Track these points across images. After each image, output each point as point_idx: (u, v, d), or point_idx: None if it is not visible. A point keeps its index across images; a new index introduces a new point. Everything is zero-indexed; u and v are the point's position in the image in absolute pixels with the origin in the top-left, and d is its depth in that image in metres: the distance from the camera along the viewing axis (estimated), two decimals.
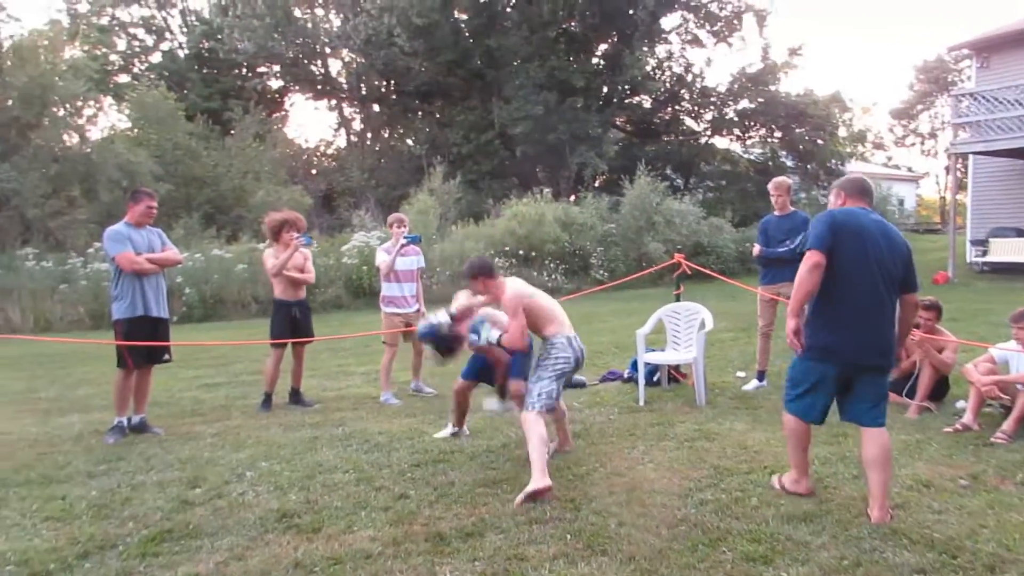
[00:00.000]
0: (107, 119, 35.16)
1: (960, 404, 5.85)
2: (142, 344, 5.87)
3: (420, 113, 32.48)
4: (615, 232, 19.89)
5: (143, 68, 33.00)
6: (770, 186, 6.97)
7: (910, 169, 47.76)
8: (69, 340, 10.93)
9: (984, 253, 18.13)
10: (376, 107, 34.25)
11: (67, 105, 21.90)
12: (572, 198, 24.50)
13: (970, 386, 5.58)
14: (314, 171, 32.69)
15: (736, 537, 3.54)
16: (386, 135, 35.03)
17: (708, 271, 9.15)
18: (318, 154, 35.85)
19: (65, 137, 22.04)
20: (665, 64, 30.87)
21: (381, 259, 7.22)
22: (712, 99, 30.37)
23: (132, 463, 5.07)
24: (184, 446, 5.49)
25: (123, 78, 31.67)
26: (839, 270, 3.73)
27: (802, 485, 4.10)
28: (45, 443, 5.78)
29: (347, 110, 35.53)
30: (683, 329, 6.81)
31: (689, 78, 30.68)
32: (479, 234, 18.67)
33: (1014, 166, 18.31)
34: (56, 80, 20.90)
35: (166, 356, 6.14)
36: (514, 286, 4.79)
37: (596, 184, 24.34)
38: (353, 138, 35.30)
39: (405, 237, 7.16)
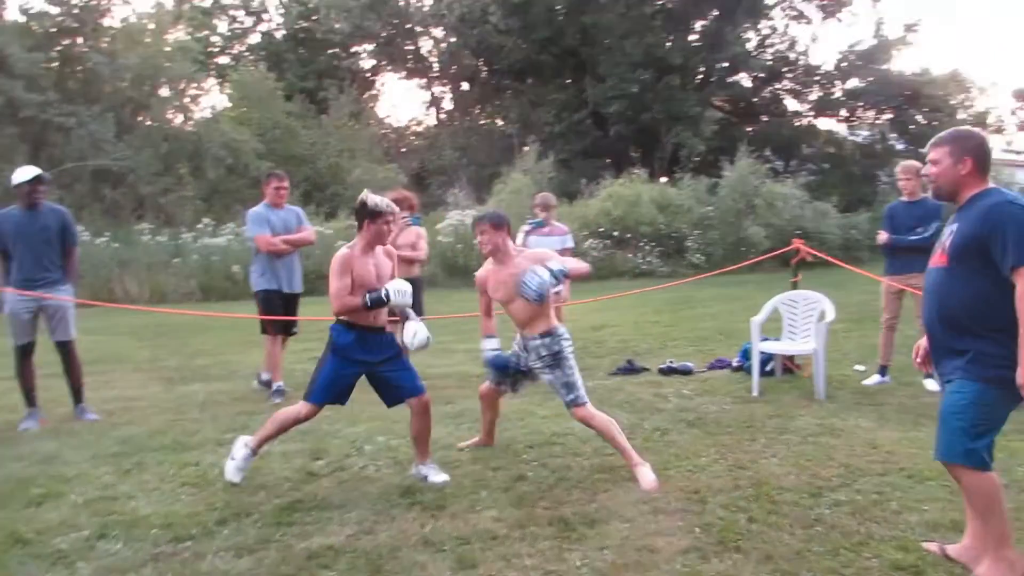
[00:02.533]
0: (209, 99, 36.53)
1: None
2: (273, 318, 6.42)
3: (511, 92, 32.36)
4: (713, 215, 19.38)
5: (243, 49, 34.06)
6: (898, 170, 6.61)
7: None
8: (189, 312, 11.45)
9: None
10: (466, 85, 34.36)
11: (174, 86, 22.84)
12: (665, 179, 23.99)
13: None
14: (403, 150, 33.12)
15: (880, 543, 3.35)
16: (477, 113, 35.12)
17: (830, 258, 8.76)
18: (409, 133, 36.29)
19: (171, 116, 23.02)
20: (767, 41, 29.70)
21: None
22: (817, 78, 29.04)
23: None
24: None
25: (223, 59, 32.78)
26: None
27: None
28: (174, 410, 6.06)
29: (437, 89, 35.81)
30: (800, 319, 6.55)
31: (793, 56, 29.41)
32: (572, 214, 18.47)
33: None
34: (164, 62, 21.78)
35: (294, 329, 6.52)
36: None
37: (692, 165, 23.70)
38: (443, 117, 35.54)
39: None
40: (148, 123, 22.06)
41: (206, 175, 21.20)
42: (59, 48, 20.95)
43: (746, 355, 6.86)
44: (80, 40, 21.25)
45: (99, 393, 6.66)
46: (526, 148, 22.71)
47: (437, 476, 4.24)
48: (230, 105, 26.66)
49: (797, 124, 29.71)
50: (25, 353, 5.78)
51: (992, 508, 2.95)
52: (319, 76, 31.18)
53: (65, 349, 5.88)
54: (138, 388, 7.01)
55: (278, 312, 6.44)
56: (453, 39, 30.99)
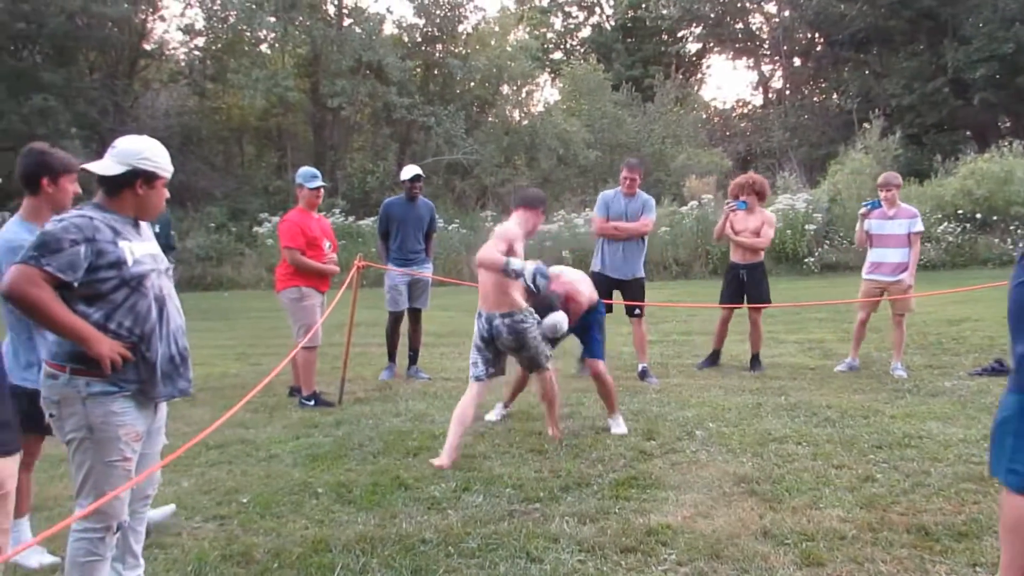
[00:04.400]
0: (541, 93, 38.97)
1: None
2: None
3: (851, 64, 29.75)
4: None
5: (574, 43, 35.69)
6: None
7: None
8: None
9: None
10: (798, 61, 32.32)
11: (515, 83, 24.73)
12: None
13: None
14: (729, 133, 32.20)
15: None
16: (809, 91, 32.90)
17: None
18: (735, 115, 35.20)
19: (511, 112, 24.96)
20: None
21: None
22: None
23: (591, 410, 5.51)
24: (633, 399, 5.80)
25: (557, 55, 34.64)
26: None
27: None
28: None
29: (766, 67, 34.19)
30: None
31: None
32: (924, 194, 16.48)
33: None
34: (507, 61, 23.67)
35: (637, 311, 6.68)
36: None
37: None
38: (772, 96, 33.86)
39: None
40: (492, 119, 24.19)
41: (540, 165, 22.70)
42: (423, 55, 23.84)
43: None
44: (440, 47, 23.97)
45: (455, 363, 7.51)
46: (867, 124, 20.73)
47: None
48: (560, 98, 28.17)
49: None
50: (397, 319, 6.98)
51: None
52: (645, 64, 31.61)
53: (418, 316, 7.04)
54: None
55: (607, 296, 6.56)
56: (788, 12, 29.32)
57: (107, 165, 2.60)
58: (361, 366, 7.30)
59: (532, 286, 4.38)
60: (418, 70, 23.72)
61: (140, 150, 2.63)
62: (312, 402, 5.84)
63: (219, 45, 22.83)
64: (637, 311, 6.63)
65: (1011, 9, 22.19)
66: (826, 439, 4.69)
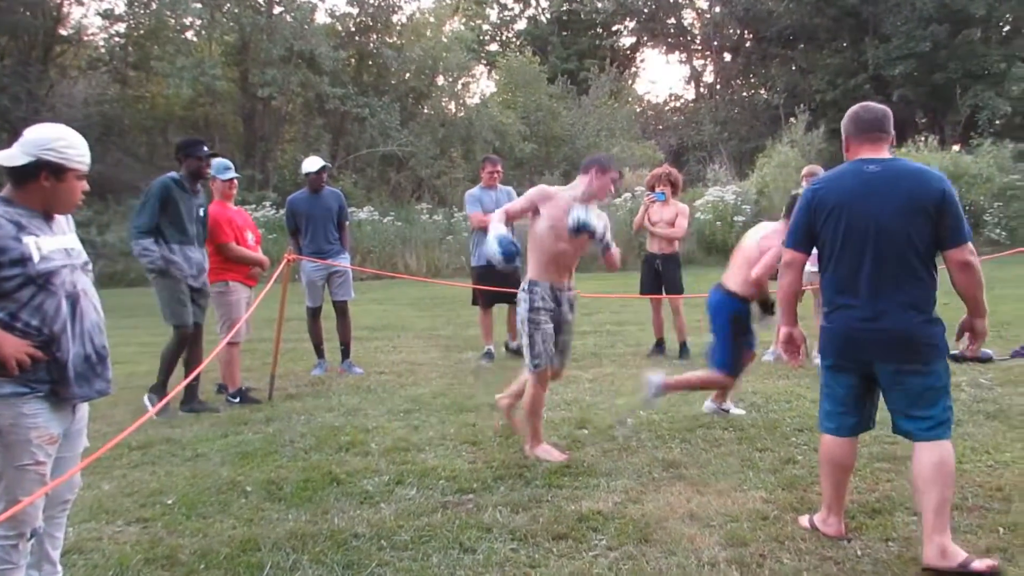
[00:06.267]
0: (477, 85, 38.89)
1: None
2: (485, 288, 6.88)
3: (778, 60, 30.60)
4: (1019, 185, 16.89)
5: (510, 35, 35.70)
6: None
7: None
8: (461, 285, 12.32)
9: None
10: (729, 57, 33.06)
11: (450, 75, 24.58)
12: (958, 147, 21.30)
13: None
14: (661, 126, 32.75)
15: None
16: (739, 85, 33.70)
17: None
18: (668, 109, 35.80)
19: (446, 104, 24.82)
20: None
21: None
22: None
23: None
24: (567, 388, 5.86)
25: (493, 47, 34.60)
26: None
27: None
28: (451, 375, 6.62)
29: (698, 62, 34.88)
30: None
31: None
32: None
33: None
34: (442, 52, 23.51)
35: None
36: None
37: (993, 129, 20.78)
38: (703, 91, 34.57)
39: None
40: (427, 111, 23.99)
41: (476, 158, 22.63)
42: (356, 45, 23.45)
43: None
44: (374, 37, 23.63)
45: (389, 356, 7.48)
46: (793, 119, 21.37)
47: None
48: (496, 90, 28.15)
49: None
50: (315, 314, 6.85)
51: None
52: (580, 57, 31.83)
53: (344, 308, 6.84)
54: (420, 353, 7.74)
55: (493, 286, 6.69)
56: (718, 8, 29.95)
57: (12, 155, 2.49)
58: (293, 362, 7.19)
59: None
60: (351, 60, 23.36)
61: (47, 140, 2.51)
62: (238, 399, 5.73)
63: (141, 31, 21.98)
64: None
65: (928, 9, 23.14)
66: (751, 423, 4.85)
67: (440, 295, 12.60)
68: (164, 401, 4.55)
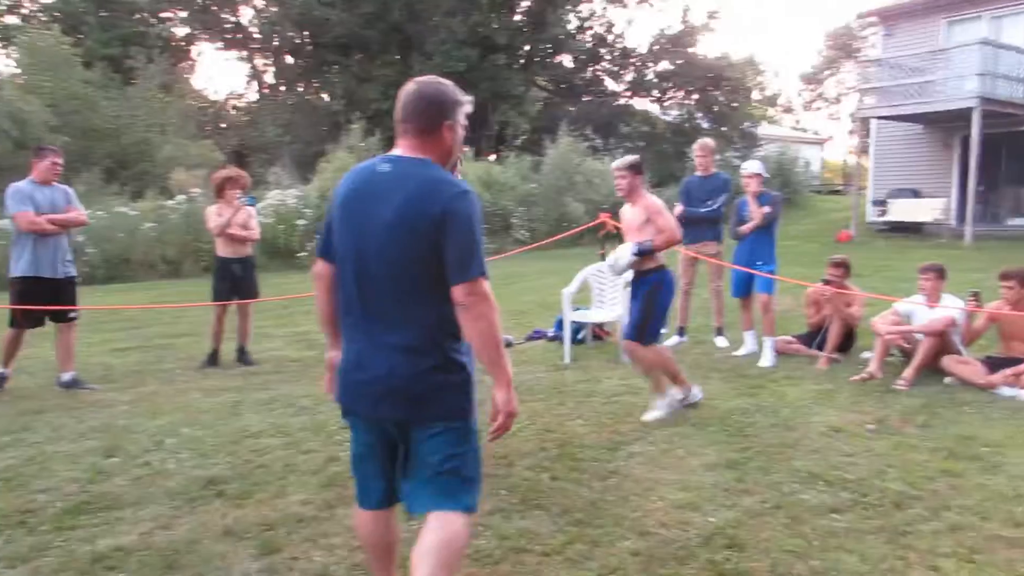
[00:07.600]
0: None
1: (866, 355, 6.17)
2: (32, 308, 5.77)
3: (337, 67, 31.45)
4: (536, 192, 19.92)
5: (34, 9, 30.77)
6: (695, 147, 7.10)
7: (816, 133, 49.41)
8: None
9: (883, 213, 18.98)
10: (290, 59, 33.00)
11: None
12: (493, 157, 24.35)
13: (876, 338, 5.89)
14: (223, 125, 31.40)
15: (665, 486, 3.67)
16: (301, 89, 33.85)
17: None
18: (228, 108, 34.42)
19: None
20: (587, 23, 30.79)
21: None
22: (632, 60, 30.51)
23: (39, 433, 4.82)
24: (97, 414, 5.25)
25: (11, 19, 29.46)
26: None
27: None
28: None
29: (259, 61, 34.14)
30: (608, 288, 6.91)
31: (610, 38, 30.69)
32: None
33: (912, 130, 19.15)
34: None
35: (71, 315, 5.95)
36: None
37: (517, 143, 24.20)
38: (265, 91, 33.98)
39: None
40: None
41: None
42: None
43: (560, 325, 7.14)
44: None
45: None
46: (352, 125, 22.21)
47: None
48: (18, 71, 24.02)
49: (615, 104, 31.06)
50: None
51: None
52: (125, 43, 28.73)
53: None
54: None
55: (41, 302, 5.79)
56: (275, 9, 29.63)
57: None
58: None
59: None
60: None
61: None
62: None
63: None
64: (72, 315, 6.04)
65: (462, 33, 25.92)
66: (299, 427, 4.87)
67: None
68: None
